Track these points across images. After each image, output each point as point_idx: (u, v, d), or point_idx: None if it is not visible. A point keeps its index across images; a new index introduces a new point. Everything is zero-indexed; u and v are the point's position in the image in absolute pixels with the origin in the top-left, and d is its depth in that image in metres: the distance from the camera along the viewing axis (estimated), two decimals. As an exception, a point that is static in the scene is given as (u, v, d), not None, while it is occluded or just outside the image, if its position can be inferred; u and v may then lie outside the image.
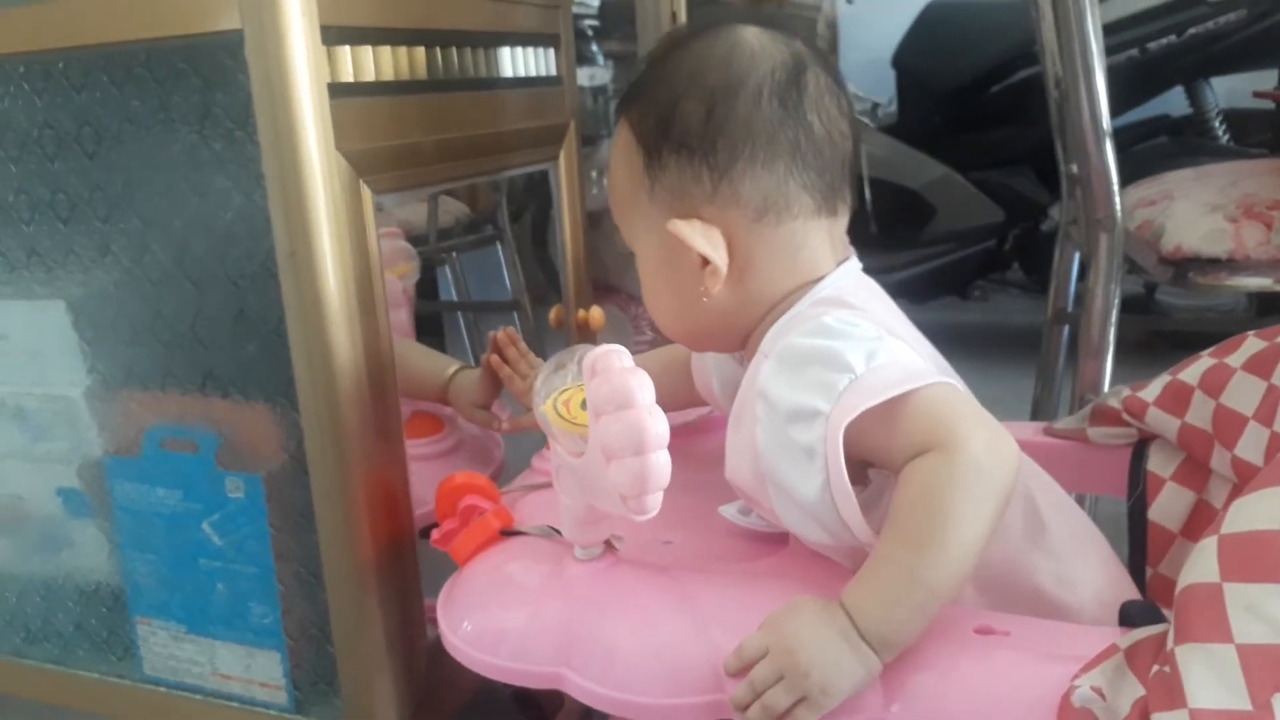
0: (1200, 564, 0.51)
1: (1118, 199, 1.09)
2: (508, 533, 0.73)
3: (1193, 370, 0.76)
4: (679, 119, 0.62)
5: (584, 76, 2.26)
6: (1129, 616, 0.55)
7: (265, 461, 0.74)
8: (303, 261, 0.67)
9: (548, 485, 0.80)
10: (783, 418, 0.58)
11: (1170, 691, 0.47)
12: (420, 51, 0.75)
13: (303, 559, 0.75)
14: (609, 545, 0.67)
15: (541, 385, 0.62)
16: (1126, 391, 0.81)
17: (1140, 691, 0.49)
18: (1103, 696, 0.50)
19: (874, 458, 0.60)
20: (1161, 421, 0.77)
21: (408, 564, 0.76)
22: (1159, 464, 0.79)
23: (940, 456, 0.54)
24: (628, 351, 0.58)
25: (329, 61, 0.67)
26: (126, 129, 0.71)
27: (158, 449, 0.78)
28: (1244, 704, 0.46)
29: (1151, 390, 0.79)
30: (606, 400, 0.56)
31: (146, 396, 0.77)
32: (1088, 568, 0.67)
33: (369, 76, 0.70)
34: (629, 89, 0.67)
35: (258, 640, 0.79)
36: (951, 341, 0.72)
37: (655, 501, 0.57)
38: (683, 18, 1.12)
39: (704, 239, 0.62)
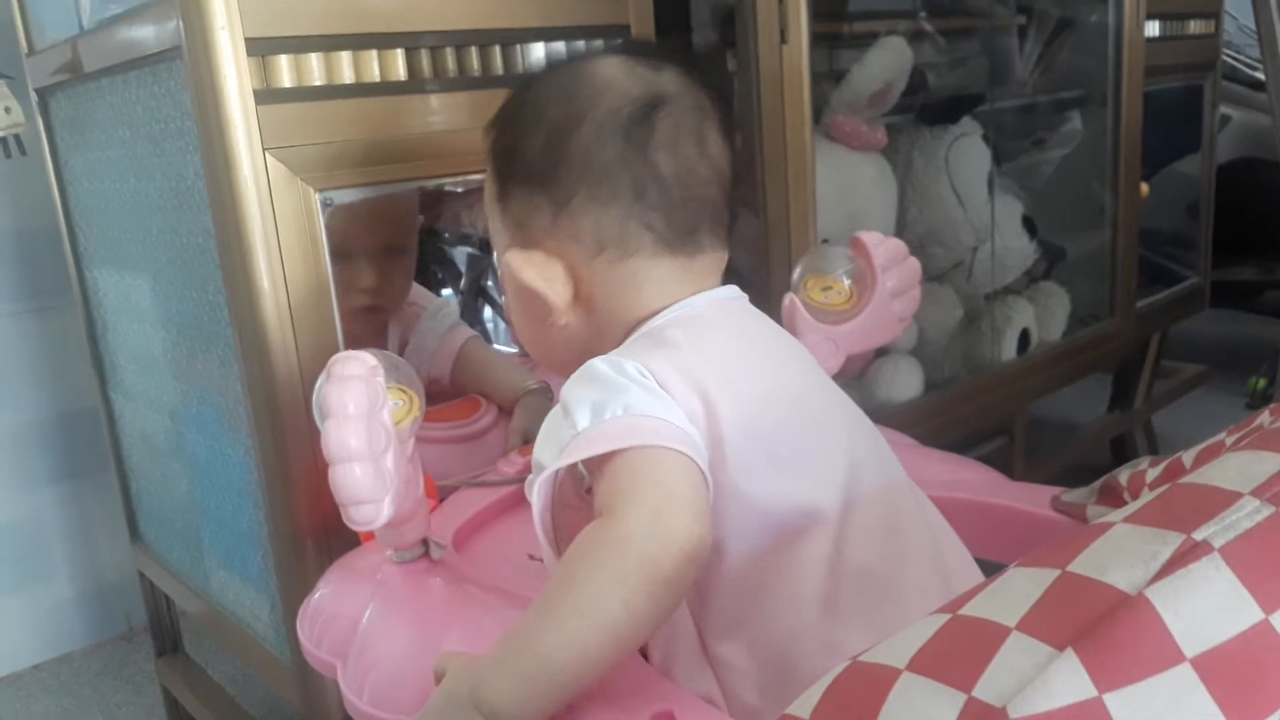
0: (807, 697, 0.40)
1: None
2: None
3: (1195, 449, 0.57)
4: (522, 150, 0.62)
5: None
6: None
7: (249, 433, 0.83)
8: (235, 253, 0.75)
9: (495, 484, 0.81)
10: (538, 465, 0.55)
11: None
12: (375, 55, 0.78)
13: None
14: (426, 550, 0.66)
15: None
16: (1145, 465, 0.62)
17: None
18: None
19: None
20: (1149, 508, 0.58)
21: (348, 536, 0.81)
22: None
23: (596, 523, 0.49)
24: (366, 357, 0.58)
25: (263, 70, 0.73)
26: (157, 131, 0.84)
27: (198, 410, 0.91)
28: None
29: (1157, 469, 0.60)
30: (321, 406, 0.57)
31: (194, 362, 0.90)
32: None
33: (314, 81, 0.76)
34: (493, 117, 0.66)
35: (257, 584, 0.89)
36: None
37: (362, 514, 0.57)
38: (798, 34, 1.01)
39: (536, 272, 0.61)
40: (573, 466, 0.53)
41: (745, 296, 0.65)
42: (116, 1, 0.85)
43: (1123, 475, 0.63)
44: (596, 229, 0.60)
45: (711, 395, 0.54)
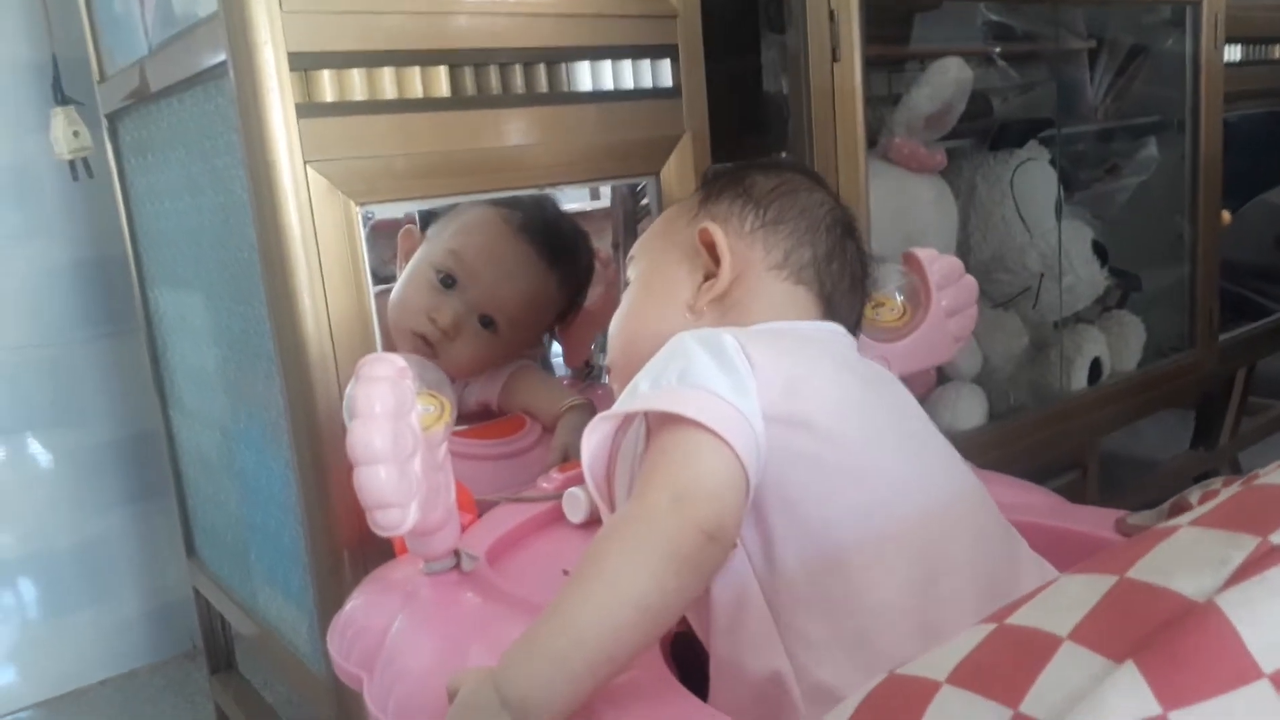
0: (840, 710, 0.37)
1: None
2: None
3: (1275, 463, 0.52)
4: (751, 181, 0.70)
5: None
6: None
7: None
8: (276, 265, 0.75)
9: (534, 499, 0.79)
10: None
11: None
12: (418, 71, 0.78)
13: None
14: (457, 562, 0.65)
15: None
16: (1218, 485, 0.58)
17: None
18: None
19: None
20: (1222, 532, 0.54)
21: (385, 551, 0.80)
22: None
23: (627, 502, 0.52)
24: (396, 359, 0.57)
25: (305, 85, 0.74)
26: (208, 148, 0.85)
27: (246, 425, 0.92)
28: None
29: (1232, 488, 0.55)
30: (349, 408, 0.56)
31: (242, 378, 0.91)
32: None
33: (355, 97, 0.76)
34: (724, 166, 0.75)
35: (298, 600, 0.89)
36: None
37: (387, 519, 0.55)
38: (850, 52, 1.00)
39: (726, 248, 0.66)
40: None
41: (851, 339, 0.68)
42: (175, 22, 0.87)
43: (1193, 495, 0.58)
44: (788, 251, 0.67)
45: (801, 379, 0.56)
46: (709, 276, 0.67)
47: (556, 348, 1.24)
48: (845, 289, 0.68)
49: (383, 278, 1.06)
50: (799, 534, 0.54)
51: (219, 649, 1.22)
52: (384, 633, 0.63)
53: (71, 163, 1.12)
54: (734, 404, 0.53)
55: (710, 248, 0.67)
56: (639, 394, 0.55)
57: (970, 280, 0.82)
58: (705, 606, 0.55)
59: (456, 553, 0.65)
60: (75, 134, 1.10)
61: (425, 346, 0.98)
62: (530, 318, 1.05)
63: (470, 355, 1.01)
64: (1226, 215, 1.60)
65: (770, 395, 0.55)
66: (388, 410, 0.55)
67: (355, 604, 0.68)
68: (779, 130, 1.12)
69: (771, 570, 0.54)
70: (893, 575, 0.53)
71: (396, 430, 0.55)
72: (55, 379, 1.43)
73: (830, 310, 0.67)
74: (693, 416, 0.51)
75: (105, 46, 1.07)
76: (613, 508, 0.59)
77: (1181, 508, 0.59)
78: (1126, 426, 1.47)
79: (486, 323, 1.01)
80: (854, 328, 0.70)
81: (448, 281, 0.99)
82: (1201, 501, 0.57)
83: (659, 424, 0.54)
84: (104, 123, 1.10)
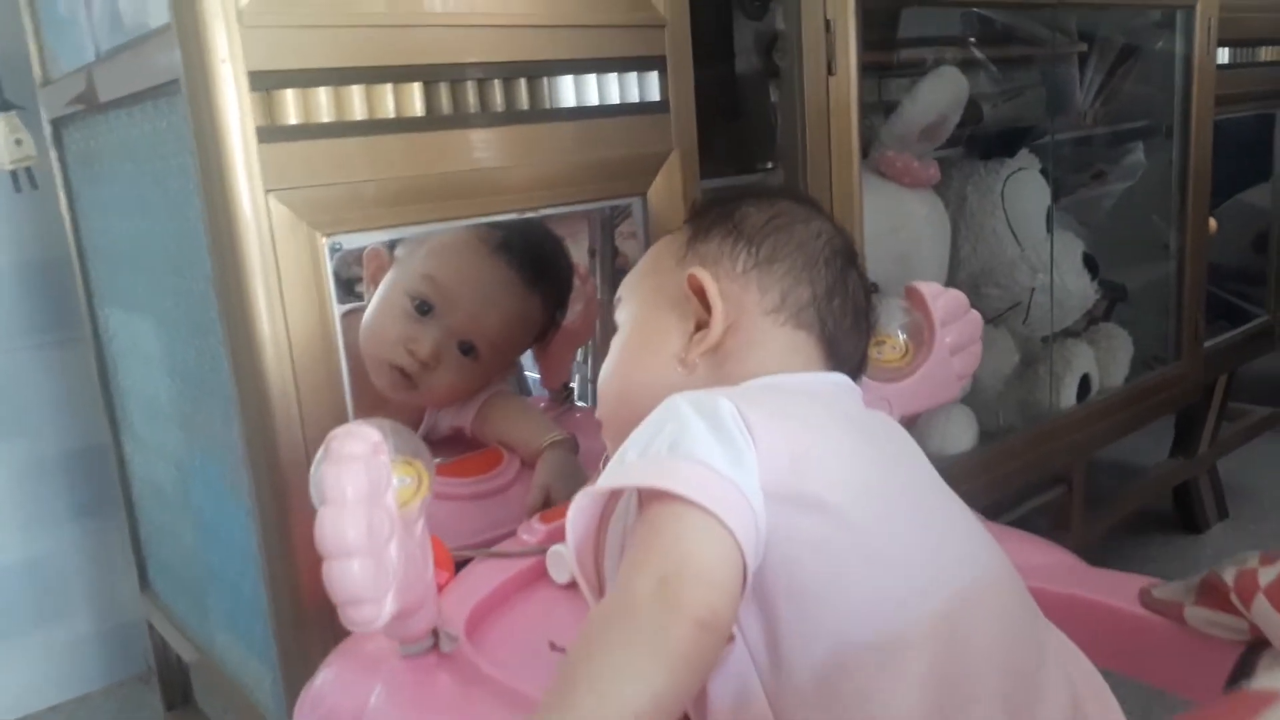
0: None
1: None
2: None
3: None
4: (741, 215, 0.66)
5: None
6: None
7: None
8: (235, 301, 0.69)
9: (515, 555, 0.74)
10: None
11: None
12: (390, 89, 0.73)
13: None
14: (435, 642, 0.60)
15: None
16: (1254, 562, 0.54)
17: None
18: None
19: None
20: (1268, 618, 0.50)
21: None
22: (1269, 682, 0.51)
23: (609, 593, 0.48)
24: (370, 432, 0.52)
25: (267, 106, 0.68)
26: (159, 168, 0.79)
27: (203, 463, 0.85)
28: None
29: (1272, 569, 0.52)
30: (317, 489, 0.50)
31: (198, 414, 0.84)
32: None
33: (322, 118, 0.70)
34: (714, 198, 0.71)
35: (260, 653, 0.83)
36: None
37: (360, 615, 0.50)
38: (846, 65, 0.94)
39: (717, 294, 0.62)
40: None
41: (857, 390, 0.65)
42: (123, 30, 0.80)
43: (1227, 574, 0.54)
44: (785, 292, 0.63)
45: (808, 451, 0.52)
46: (700, 326, 0.63)
47: (528, 355, 1.20)
48: (848, 327, 0.65)
49: (346, 281, 1.00)
50: (808, 627, 0.49)
51: (174, 683, 1.17)
52: (358, 716, 0.57)
53: (14, 173, 1.05)
54: (731, 479, 0.48)
55: (700, 294, 0.62)
56: (626, 464, 0.50)
57: (975, 315, 0.78)
58: (703, 704, 0.50)
59: (435, 632, 0.59)
60: (18, 142, 1.02)
61: (403, 379, 0.93)
62: (512, 341, 1.00)
63: (450, 384, 0.95)
64: (1213, 223, 1.58)
65: (774, 470, 0.50)
66: (360, 494, 0.49)
67: (325, 679, 0.63)
68: (758, 121, 1.05)
69: (776, 667, 0.49)
70: (911, 677, 0.48)
71: (371, 516, 0.49)
72: (-2, 388, 1.35)
73: (833, 352, 0.63)
74: (683, 493, 0.47)
75: (48, 47, 1.00)
76: (600, 592, 0.54)
77: (1214, 585, 0.55)
78: (1110, 438, 1.44)
79: (466, 349, 0.95)
80: (858, 365, 0.66)
81: (424, 308, 0.93)
82: (1237, 580, 0.54)
83: (648, 498, 0.49)
84: (47, 128, 1.03)
